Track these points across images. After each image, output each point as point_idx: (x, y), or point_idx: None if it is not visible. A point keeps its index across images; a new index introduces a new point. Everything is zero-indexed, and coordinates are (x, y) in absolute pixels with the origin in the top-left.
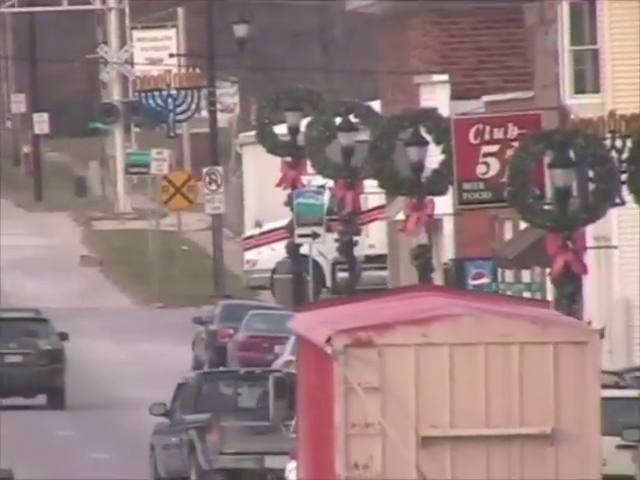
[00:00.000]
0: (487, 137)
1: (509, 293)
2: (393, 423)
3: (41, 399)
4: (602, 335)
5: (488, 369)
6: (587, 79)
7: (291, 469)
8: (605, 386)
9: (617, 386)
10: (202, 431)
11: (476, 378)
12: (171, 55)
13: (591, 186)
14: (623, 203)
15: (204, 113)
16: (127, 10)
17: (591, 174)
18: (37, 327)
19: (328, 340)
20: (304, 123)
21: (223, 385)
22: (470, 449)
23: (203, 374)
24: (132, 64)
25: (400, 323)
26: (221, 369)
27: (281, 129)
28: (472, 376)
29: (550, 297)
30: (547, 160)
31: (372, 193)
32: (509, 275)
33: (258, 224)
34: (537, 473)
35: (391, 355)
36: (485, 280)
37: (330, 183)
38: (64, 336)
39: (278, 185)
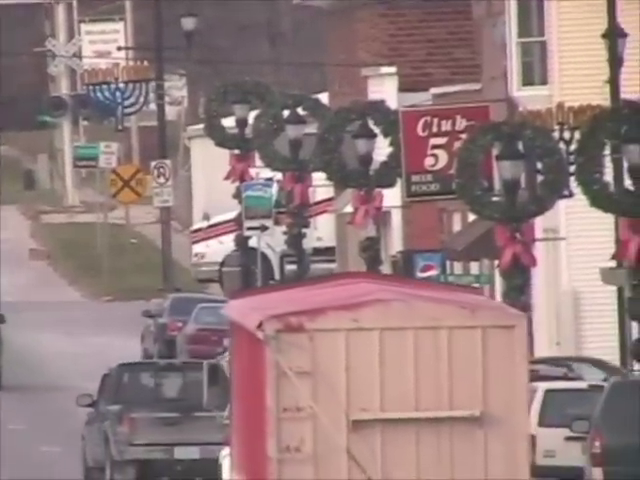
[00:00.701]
0: (435, 129)
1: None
2: (324, 407)
3: None
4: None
5: (418, 353)
6: (535, 71)
7: (225, 455)
8: (554, 378)
9: (566, 377)
10: (114, 422)
11: (406, 362)
12: (119, 48)
13: (539, 178)
14: (571, 195)
15: (152, 106)
16: (75, 3)
17: (539, 166)
18: None
19: (260, 325)
20: (252, 116)
21: (143, 376)
22: (400, 432)
23: (123, 365)
24: (80, 57)
25: (331, 308)
26: (140, 360)
27: (229, 122)
28: (402, 360)
29: (499, 289)
30: (495, 152)
31: (320, 186)
32: (458, 267)
33: (206, 217)
34: (466, 455)
35: (322, 340)
36: (434, 272)
37: (278, 176)
38: (1, 319)
39: (226, 178)
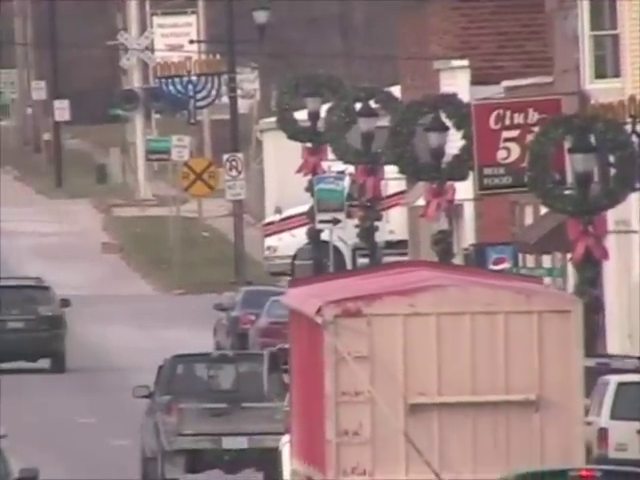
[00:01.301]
0: (507, 122)
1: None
2: (382, 391)
3: (44, 363)
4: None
5: (474, 338)
6: (607, 64)
7: (285, 442)
8: (626, 370)
9: (637, 370)
10: (164, 413)
11: (462, 347)
12: (191, 41)
13: (612, 171)
14: None
15: (224, 99)
16: None
17: (611, 159)
18: (38, 294)
19: (318, 311)
20: (324, 109)
21: (197, 367)
22: (457, 416)
23: (177, 357)
24: (152, 50)
25: (388, 294)
26: (194, 352)
27: (301, 115)
28: (458, 345)
29: (571, 282)
30: (567, 145)
31: (392, 179)
32: (530, 260)
33: (278, 210)
34: (522, 438)
35: (379, 325)
36: (506, 265)
37: (350, 169)
38: (66, 303)
39: (299, 171)
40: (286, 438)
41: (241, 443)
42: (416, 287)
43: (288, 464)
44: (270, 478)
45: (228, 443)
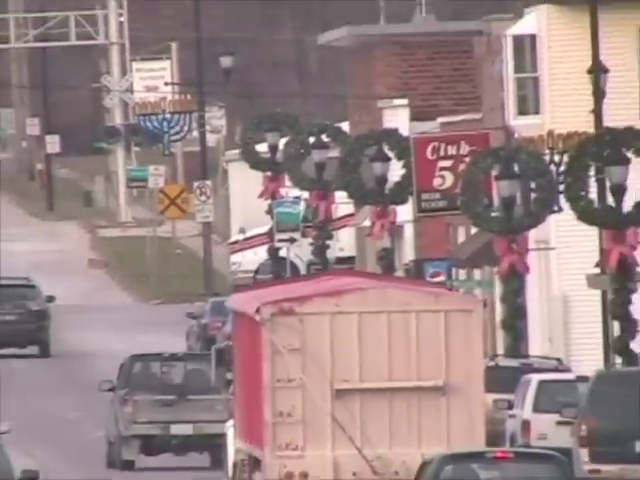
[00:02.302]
0: (442, 153)
1: (462, 289)
2: (312, 378)
3: (32, 349)
4: (485, 305)
5: (391, 333)
6: (529, 102)
7: (229, 426)
8: (546, 370)
9: (556, 370)
10: (121, 404)
11: (381, 340)
12: (166, 84)
13: (533, 195)
14: (560, 210)
15: (195, 134)
16: (127, 44)
17: (532, 185)
18: (27, 292)
19: (257, 310)
20: (282, 142)
21: (151, 365)
22: (376, 399)
23: (134, 356)
24: (132, 91)
25: (317, 295)
26: (149, 352)
27: (262, 147)
28: (377, 339)
29: (498, 293)
30: (494, 173)
31: (342, 203)
32: (462, 274)
33: (242, 230)
34: (432, 419)
35: (310, 322)
36: (442, 278)
37: (305, 194)
38: (51, 299)
39: (260, 196)
40: (230, 423)
41: (187, 429)
42: (341, 290)
43: (232, 444)
44: (215, 459)
45: (176, 429)
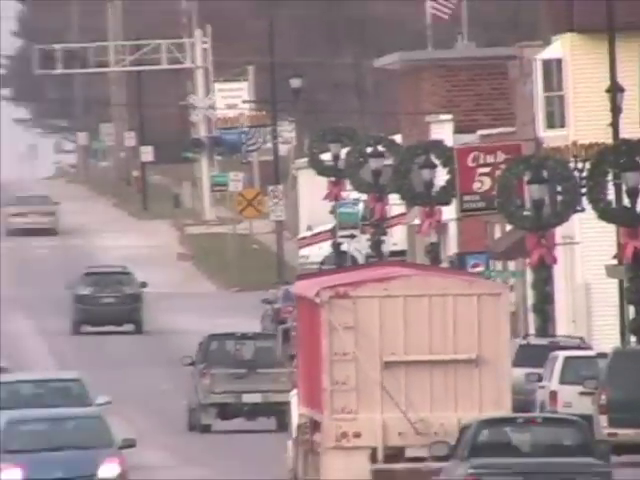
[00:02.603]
0: (481, 161)
1: (499, 279)
2: (363, 352)
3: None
4: (511, 290)
5: (431, 313)
6: (555, 117)
7: (293, 394)
8: (570, 347)
9: (579, 347)
10: (200, 376)
11: (423, 320)
12: (243, 101)
13: (559, 197)
14: (583, 210)
15: (268, 145)
16: (210, 68)
17: (559, 188)
18: (124, 278)
19: (317, 294)
20: (343, 152)
21: (226, 343)
22: (419, 370)
23: (211, 335)
24: (214, 108)
25: (368, 281)
26: (224, 332)
27: (326, 156)
28: (420, 318)
29: (529, 281)
30: (526, 178)
31: (395, 204)
32: (498, 265)
33: (309, 228)
34: (466, 387)
35: (362, 304)
36: (480, 268)
37: (363, 197)
38: (144, 284)
39: (325, 198)
40: (294, 392)
41: (256, 398)
42: (389, 277)
43: (296, 410)
44: (280, 423)
45: (247, 398)
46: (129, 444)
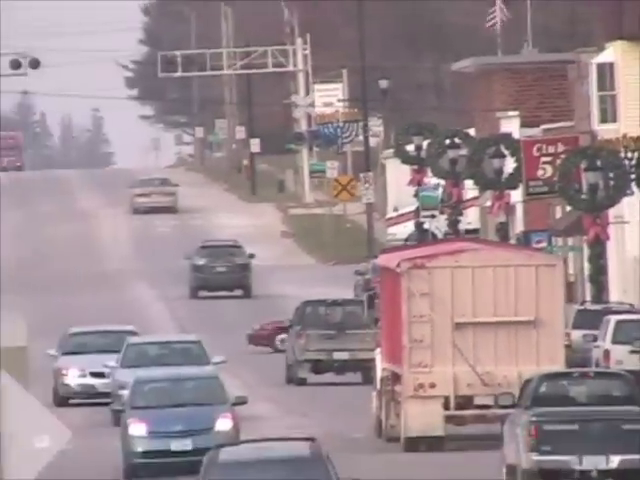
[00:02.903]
0: (544, 151)
1: (560, 253)
2: (437, 315)
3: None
4: (565, 262)
5: (496, 281)
6: (608, 113)
7: (377, 352)
8: (622, 312)
9: (630, 312)
10: (297, 337)
11: (488, 287)
12: (339, 100)
13: (611, 183)
14: (632, 193)
15: (360, 138)
16: (310, 71)
17: (611, 175)
18: (235, 250)
19: (398, 265)
20: (425, 144)
21: (318, 309)
22: (485, 330)
23: (306, 301)
24: (313, 106)
25: (442, 254)
26: (316, 298)
27: (410, 148)
28: (486, 285)
29: (586, 255)
30: (583, 166)
31: (469, 189)
32: (559, 241)
33: (396, 209)
34: (526, 345)
35: (436, 273)
36: (544, 244)
37: (442, 182)
38: (252, 256)
39: (409, 184)
40: (378, 350)
41: (345, 356)
42: (460, 250)
43: (380, 365)
44: (365, 377)
45: (337, 356)
46: (241, 401)
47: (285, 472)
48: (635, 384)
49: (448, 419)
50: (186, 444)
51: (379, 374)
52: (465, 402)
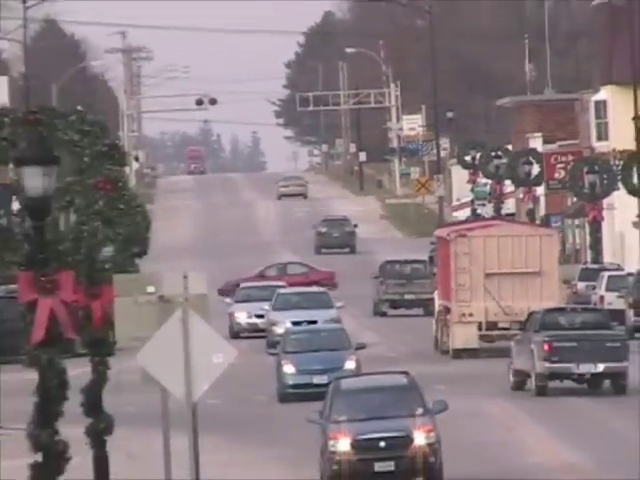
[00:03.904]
0: (559, 160)
1: (566, 229)
2: (474, 267)
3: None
4: (560, 232)
5: (513, 246)
6: (602, 134)
7: (435, 293)
8: (612, 269)
9: (617, 269)
10: (379, 284)
11: (508, 249)
12: (419, 126)
13: (605, 181)
14: (619, 189)
15: (434, 151)
16: (399, 106)
17: (605, 176)
18: (345, 222)
19: (448, 235)
20: (478, 155)
21: (396, 265)
22: (506, 278)
23: (386, 261)
24: (402, 130)
25: (477, 228)
26: (393, 258)
27: (468, 158)
28: (507, 248)
29: (588, 232)
30: (585, 170)
31: (508, 186)
32: (569, 221)
33: (458, 200)
34: (533, 289)
35: (473, 240)
36: (558, 224)
37: (490, 182)
38: (356, 225)
39: (467, 182)
40: (436, 292)
41: (412, 297)
42: (490, 225)
43: (437, 301)
44: (426, 311)
45: (407, 297)
46: (361, 347)
47: (389, 396)
48: (608, 315)
49: (481, 337)
50: (324, 379)
51: (437, 308)
52: (492, 326)
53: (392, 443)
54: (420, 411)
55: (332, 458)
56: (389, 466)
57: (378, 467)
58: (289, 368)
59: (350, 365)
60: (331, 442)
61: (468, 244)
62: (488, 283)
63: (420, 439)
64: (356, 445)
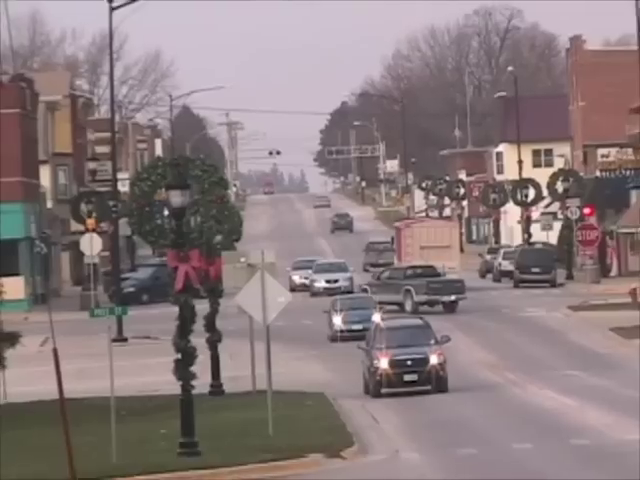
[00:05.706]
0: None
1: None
2: (414, 243)
3: None
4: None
5: (435, 232)
6: (500, 170)
7: (395, 260)
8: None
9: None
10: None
11: (432, 233)
12: (396, 166)
13: None
14: (509, 202)
15: (404, 181)
16: (385, 155)
17: (502, 195)
18: (345, 215)
19: (401, 226)
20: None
21: (374, 245)
22: (430, 250)
23: (369, 242)
24: (386, 168)
25: (415, 222)
26: (373, 241)
27: (424, 185)
28: (431, 232)
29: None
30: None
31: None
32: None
33: (418, 208)
34: (445, 255)
35: (415, 229)
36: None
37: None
38: (351, 217)
39: (424, 198)
40: (395, 258)
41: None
42: (422, 221)
43: (395, 263)
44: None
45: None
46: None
47: (412, 332)
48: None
49: None
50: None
51: (395, 266)
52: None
53: (415, 362)
54: (432, 342)
55: (376, 371)
56: (414, 377)
57: (406, 377)
58: (382, 362)
59: (435, 360)
60: (375, 361)
61: (411, 230)
62: (421, 252)
63: (434, 359)
64: (392, 363)
